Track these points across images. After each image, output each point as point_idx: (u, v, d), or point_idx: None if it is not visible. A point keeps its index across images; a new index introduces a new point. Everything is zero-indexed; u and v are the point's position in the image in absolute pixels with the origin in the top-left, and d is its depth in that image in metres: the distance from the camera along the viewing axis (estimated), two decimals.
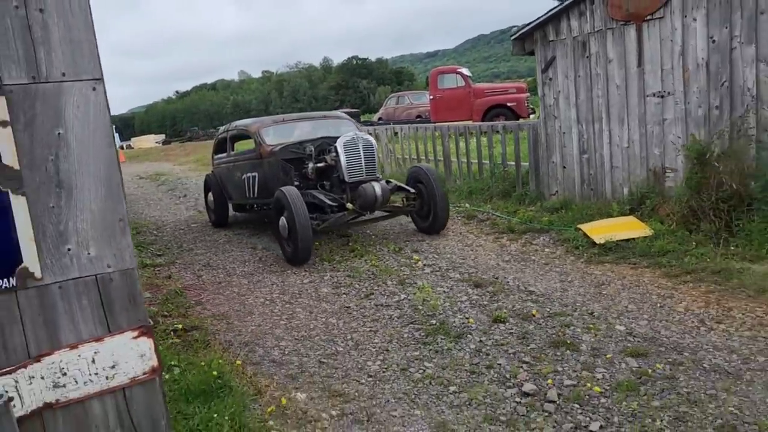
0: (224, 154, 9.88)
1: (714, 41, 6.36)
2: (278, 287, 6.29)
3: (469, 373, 4.03)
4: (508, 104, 20.08)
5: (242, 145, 10.67)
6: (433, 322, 4.92)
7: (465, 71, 21.70)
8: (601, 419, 3.35)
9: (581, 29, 7.78)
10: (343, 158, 7.46)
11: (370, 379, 4.10)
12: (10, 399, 1.91)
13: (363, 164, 7.52)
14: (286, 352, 4.61)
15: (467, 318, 4.93)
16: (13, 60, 1.97)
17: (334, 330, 4.98)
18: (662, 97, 6.95)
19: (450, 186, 10.27)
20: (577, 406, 3.51)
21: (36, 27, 1.99)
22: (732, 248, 5.62)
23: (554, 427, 3.34)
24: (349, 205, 7.31)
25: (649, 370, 3.79)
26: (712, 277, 5.19)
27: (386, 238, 7.91)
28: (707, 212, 6.01)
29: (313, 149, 7.94)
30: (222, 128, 10.42)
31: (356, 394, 3.89)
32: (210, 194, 10.12)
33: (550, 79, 8.32)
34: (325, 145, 7.95)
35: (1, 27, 1.94)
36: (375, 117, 29.56)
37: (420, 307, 5.26)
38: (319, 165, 7.83)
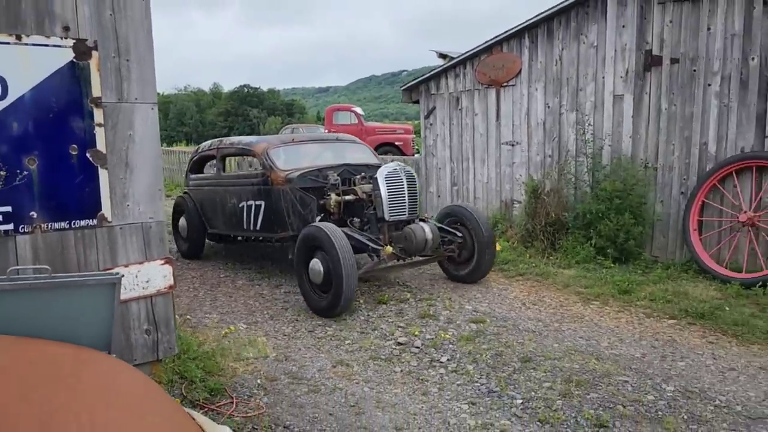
0: (207, 175, 8.46)
1: (549, 107, 8.51)
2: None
3: (359, 333, 5.53)
4: (397, 143, 22.22)
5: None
6: None
7: (358, 110, 23.70)
8: (448, 355, 4.97)
9: (456, 87, 9.75)
10: (384, 192, 6.29)
11: (285, 337, 5.48)
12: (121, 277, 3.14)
13: (407, 201, 6.41)
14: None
15: (359, 301, 6.44)
16: (109, 88, 3.28)
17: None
18: (513, 145, 9.02)
19: None
20: (434, 349, 5.12)
21: (123, 69, 3.32)
22: (552, 259, 7.63)
23: (417, 361, 4.90)
24: (388, 248, 6.23)
25: (484, 330, 5.49)
26: (536, 277, 7.11)
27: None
28: (538, 234, 8.00)
29: (338, 179, 6.74)
30: (204, 144, 8.65)
31: (275, 347, 5.26)
32: (182, 220, 8.47)
33: (431, 125, 10.22)
34: (348, 174, 6.87)
35: (104, 68, 3.26)
36: None
37: None
38: (348, 198, 6.68)
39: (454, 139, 9.83)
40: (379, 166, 6.71)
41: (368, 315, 6.00)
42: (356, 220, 6.63)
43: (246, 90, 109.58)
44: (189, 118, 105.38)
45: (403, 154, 21.44)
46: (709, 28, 6.89)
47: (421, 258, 6.74)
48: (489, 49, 9.14)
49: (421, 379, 4.55)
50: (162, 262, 3.49)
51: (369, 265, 6.25)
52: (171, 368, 4.25)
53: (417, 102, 10.51)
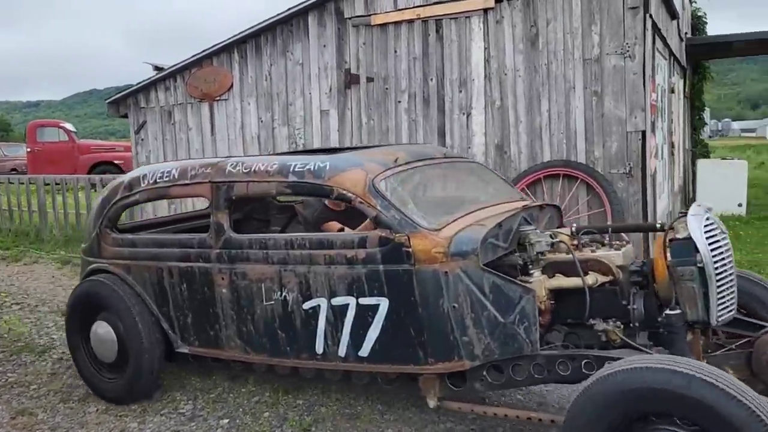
0: (184, 237, 4.17)
1: (262, 121, 8.62)
2: None
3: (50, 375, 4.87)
4: (117, 162, 20.49)
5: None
6: (20, 344, 5.54)
7: (69, 126, 21.33)
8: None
9: (168, 101, 9.32)
10: (711, 268, 3.10)
11: None
12: None
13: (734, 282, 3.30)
14: None
15: (52, 338, 5.69)
16: None
17: None
18: None
19: (46, 236, 10.47)
20: None
21: None
22: None
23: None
24: None
25: None
26: None
27: None
28: None
29: (544, 241, 3.46)
30: (150, 172, 4.25)
31: None
32: (103, 327, 4.22)
33: (143, 140, 9.60)
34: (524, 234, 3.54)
35: None
36: None
37: (5, 335, 5.77)
38: (570, 284, 3.40)
39: (169, 155, 9.36)
40: (540, 206, 4.03)
41: (63, 353, 5.33)
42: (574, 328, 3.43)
43: None
44: None
45: (123, 172, 19.88)
46: (395, 51, 7.66)
47: None
48: (199, 62, 8.93)
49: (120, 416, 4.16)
50: None
51: None
52: None
53: (126, 116, 9.79)
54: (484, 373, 3.31)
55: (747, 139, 53.90)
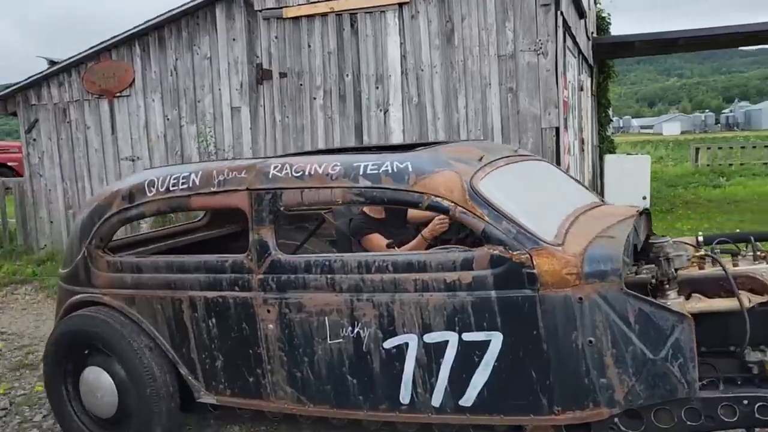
0: (211, 260, 3.21)
1: (168, 119, 8.10)
2: None
3: None
4: (9, 164, 18.94)
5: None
6: None
7: None
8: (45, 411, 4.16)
9: (62, 97, 8.59)
10: None
11: None
12: None
13: None
14: None
15: None
16: None
17: None
18: (133, 161, 8.34)
19: None
20: (27, 407, 4.24)
21: None
22: None
23: (2, 425, 3.98)
24: None
25: None
26: None
27: None
28: None
29: (685, 258, 2.89)
30: (158, 176, 3.40)
31: None
32: (95, 374, 3.36)
33: (35, 140, 8.82)
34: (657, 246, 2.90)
35: None
36: None
37: None
38: (751, 311, 2.68)
39: (65, 155, 8.64)
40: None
41: None
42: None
43: None
44: None
45: (19, 175, 18.41)
46: (309, 46, 7.39)
47: None
48: (96, 55, 8.28)
49: None
50: None
51: None
52: None
53: (15, 114, 8.95)
54: (616, 420, 2.65)
55: (645, 135, 57.25)
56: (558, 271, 2.55)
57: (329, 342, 2.89)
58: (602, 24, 14.16)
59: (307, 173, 2.96)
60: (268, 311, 2.97)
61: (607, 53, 13.51)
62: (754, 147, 17.97)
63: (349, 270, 2.85)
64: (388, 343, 2.79)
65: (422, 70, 7.01)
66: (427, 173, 2.80)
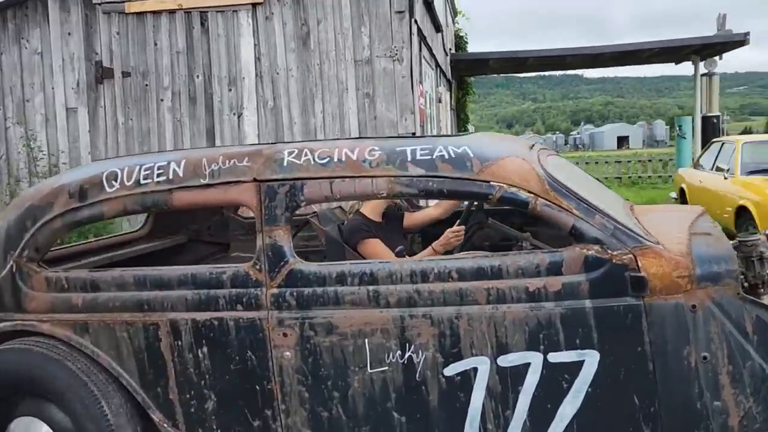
0: (210, 270, 2.56)
1: None
2: None
3: None
4: None
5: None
6: None
7: None
8: None
9: None
10: None
11: None
12: None
13: None
14: None
15: None
16: None
17: None
18: None
19: None
20: None
21: None
22: None
23: None
24: None
25: None
26: None
27: None
28: None
29: None
30: (160, 168, 2.64)
31: None
32: (21, 427, 2.66)
33: None
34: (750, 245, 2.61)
35: None
36: None
37: None
38: None
39: None
40: None
41: None
42: None
43: None
44: None
45: None
46: (156, 44, 6.89)
47: None
48: None
49: None
50: None
51: None
52: None
53: None
54: None
55: None
56: (668, 273, 2.14)
57: (369, 371, 2.33)
58: (460, 42, 14.78)
59: (335, 159, 2.40)
60: (285, 335, 2.36)
61: (466, 70, 14.10)
62: (597, 163, 19.56)
63: (398, 279, 2.31)
64: (451, 370, 2.27)
65: (278, 73, 6.77)
66: (492, 159, 2.32)
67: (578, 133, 75.98)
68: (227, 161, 2.48)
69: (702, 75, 13.18)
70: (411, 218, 3.48)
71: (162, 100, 6.93)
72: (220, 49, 6.83)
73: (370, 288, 2.31)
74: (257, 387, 2.42)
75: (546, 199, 2.24)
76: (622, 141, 66.57)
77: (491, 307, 2.23)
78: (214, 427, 2.48)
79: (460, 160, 2.32)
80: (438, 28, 9.43)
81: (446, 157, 2.33)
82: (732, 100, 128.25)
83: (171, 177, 2.52)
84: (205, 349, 2.44)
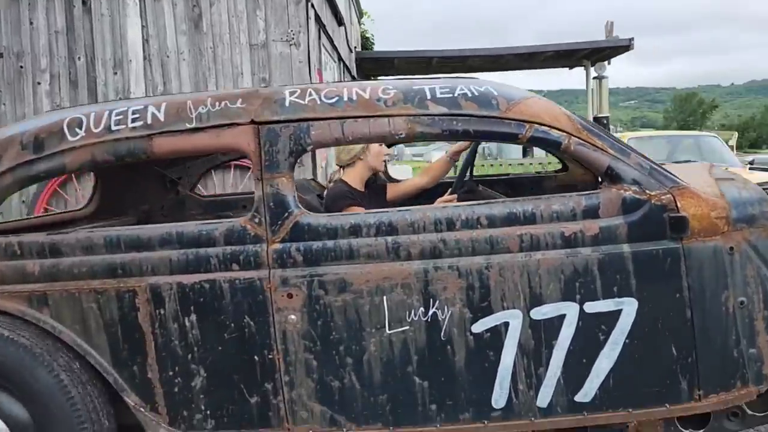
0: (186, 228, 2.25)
1: None
2: None
3: None
4: None
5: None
6: None
7: None
8: None
9: None
10: None
11: None
12: None
13: None
14: None
15: None
16: None
17: None
18: None
19: None
20: None
21: None
22: None
23: None
24: None
25: None
26: None
27: None
28: None
29: None
30: (136, 113, 2.32)
31: None
32: None
33: None
34: None
35: None
36: None
37: None
38: None
39: None
40: None
41: None
42: None
43: None
44: None
45: None
46: (32, 23, 6.37)
47: None
48: None
49: None
50: None
51: None
52: None
53: None
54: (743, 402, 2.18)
55: (417, 162, 61.95)
56: (707, 214, 2.06)
57: (388, 332, 2.10)
58: (366, 43, 14.85)
59: (346, 98, 2.19)
60: (290, 296, 2.10)
61: (372, 69, 14.14)
62: (502, 167, 20.21)
63: (421, 228, 2.10)
64: (480, 326, 2.09)
65: (168, 57, 6.43)
66: (518, 99, 2.19)
67: (485, 144, 78.42)
68: (217, 103, 2.23)
69: (593, 78, 13.92)
70: (395, 189, 3.32)
71: (39, 83, 6.41)
72: (104, 29, 6.40)
73: (389, 239, 2.10)
74: (256, 358, 2.14)
75: (580, 138, 2.14)
76: (526, 149, 69.47)
77: (524, 255, 2.08)
78: (203, 407, 2.17)
79: (484, 98, 2.19)
80: (340, 21, 9.37)
81: (469, 95, 2.19)
82: (624, 113, 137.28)
83: (150, 122, 2.22)
84: (192, 318, 2.14)
